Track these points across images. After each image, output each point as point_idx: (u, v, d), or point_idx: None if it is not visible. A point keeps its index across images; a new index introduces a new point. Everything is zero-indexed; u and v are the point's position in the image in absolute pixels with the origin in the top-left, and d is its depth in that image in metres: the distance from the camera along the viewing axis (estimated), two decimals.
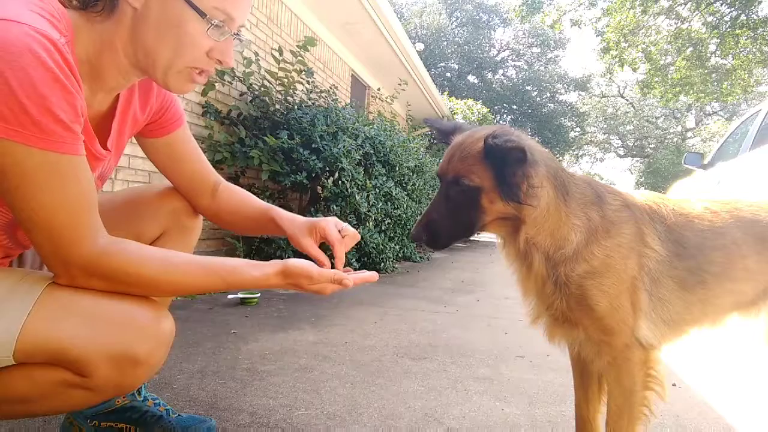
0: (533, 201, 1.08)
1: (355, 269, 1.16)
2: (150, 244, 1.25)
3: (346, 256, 1.21)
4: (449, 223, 1.12)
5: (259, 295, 3.40)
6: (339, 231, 1.21)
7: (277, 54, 4.68)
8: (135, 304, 0.95)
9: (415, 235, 1.13)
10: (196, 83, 1.03)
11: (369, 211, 4.89)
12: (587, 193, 1.17)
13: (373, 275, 1.11)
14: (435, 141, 10.99)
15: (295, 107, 4.75)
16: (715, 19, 13.49)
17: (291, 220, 1.26)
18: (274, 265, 1.02)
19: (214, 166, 1.36)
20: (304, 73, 4.96)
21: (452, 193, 1.11)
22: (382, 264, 5.37)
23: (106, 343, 0.90)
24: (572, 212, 1.13)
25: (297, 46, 4.80)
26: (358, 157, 4.79)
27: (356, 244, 5.37)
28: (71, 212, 0.86)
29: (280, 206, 1.39)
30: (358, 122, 5.22)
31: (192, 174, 1.29)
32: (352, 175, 4.62)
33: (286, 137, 4.32)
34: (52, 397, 0.93)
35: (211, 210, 1.33)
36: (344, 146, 4.51)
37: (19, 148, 0.79)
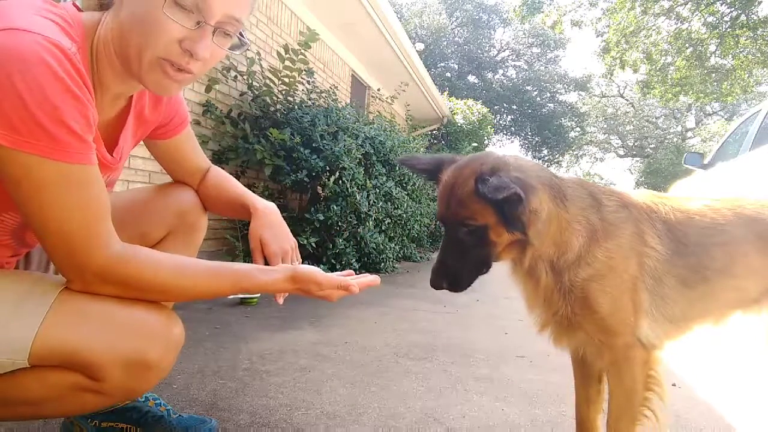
0: (537, 223, 1.08)
1: (355, 270, 1.17)
2: (156, 245, 1.27)
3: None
4: (465, 264, 1.12)
5: (259, 295, 3.39)
6: (279, 253, 1.26)
7: (282, 51, 4.68)
8: (146, 309, 0.96)
9: (435, 283, 1.13)
10: (174, 81, 0.94)
11: (369, 210, 4.88)
12: (583, 196, 1.17)
13: (375, 279, 1.11)
14: (435, 141, 10.97)
15: (296, 107, 4.76)
16: (715, 19, 13.47)
17: (263, 211, 1.29)
18: (283, 271, 1.03)
19: (216, 164, 1.40)
20: (304, 72, 4.97)
21: (461, 236, 1.11)
22: (382, 264, 5.36)
23: (119, 347, 0.91)
24: (573, 217, 1.13)
25: (298, 43, 4.80)
26: (359, 156, 4.79)
27: (356, 244, 5.29)
28: (85, 221, 0.86)
29: (279, 207, 1.40)
30: (359, 122, 5.22)
31: (189, 165, 1.35)
32: (353, 174, 4.62)
33: (288, 134, 4.34)
34: (63, 400, 0.93)
35: (198, 192, 1.37)
36: (345, 145, 4.52)
37: (33, 159, 0.79)
